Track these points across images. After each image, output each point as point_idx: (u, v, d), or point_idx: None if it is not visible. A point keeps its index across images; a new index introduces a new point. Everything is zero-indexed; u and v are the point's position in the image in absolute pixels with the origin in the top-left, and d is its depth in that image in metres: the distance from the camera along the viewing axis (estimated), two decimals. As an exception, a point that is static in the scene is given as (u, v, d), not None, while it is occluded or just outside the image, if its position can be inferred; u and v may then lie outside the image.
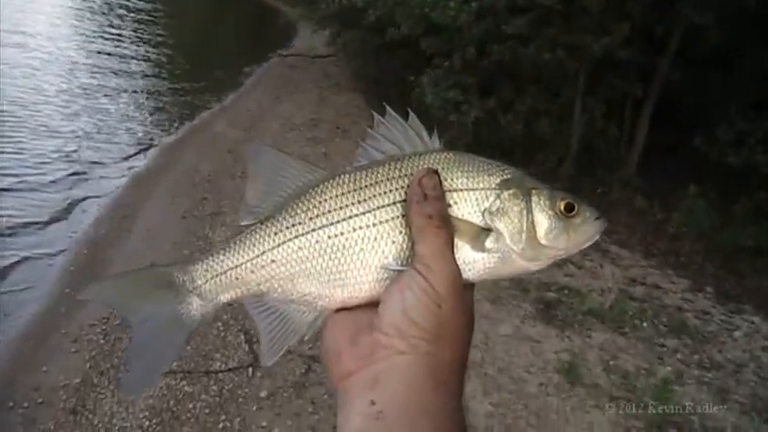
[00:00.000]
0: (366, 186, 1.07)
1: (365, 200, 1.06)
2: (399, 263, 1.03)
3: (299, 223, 1.07)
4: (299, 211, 1.08)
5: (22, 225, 8.57)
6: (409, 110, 1.12)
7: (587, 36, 10.55)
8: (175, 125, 14.36)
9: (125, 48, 20.54)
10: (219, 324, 6.40)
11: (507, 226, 1.06)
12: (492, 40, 11.86)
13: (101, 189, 10.22)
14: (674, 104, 12.31)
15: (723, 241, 9.97)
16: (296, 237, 1.07)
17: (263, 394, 5.58)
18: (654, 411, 5.93)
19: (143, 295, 1.09)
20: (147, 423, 5.15)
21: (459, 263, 1.01)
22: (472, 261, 1.04)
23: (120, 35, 22.14)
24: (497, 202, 1.07)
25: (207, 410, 5.36)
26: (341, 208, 1.06)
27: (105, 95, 15.32)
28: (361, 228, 1.05)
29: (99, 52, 19.27)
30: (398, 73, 16.90)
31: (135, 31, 23.50)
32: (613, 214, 11.14)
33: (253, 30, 33.18)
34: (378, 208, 1.06)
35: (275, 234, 1.08)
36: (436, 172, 1.05)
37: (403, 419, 0.90)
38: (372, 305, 1.03)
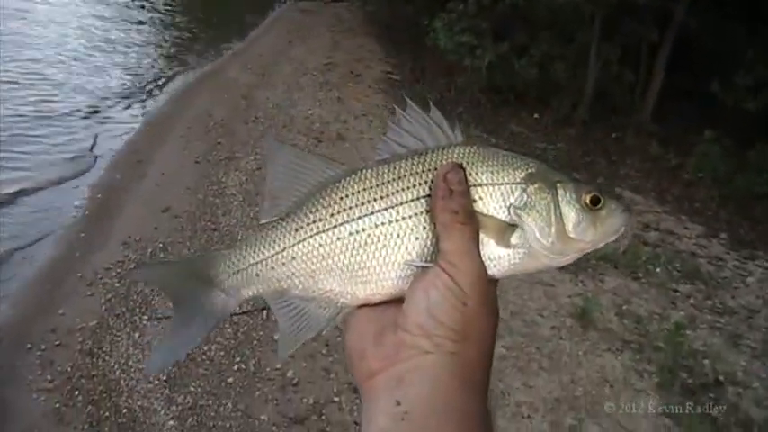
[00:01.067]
0: (389, 182, 1.05)
1: (388, 195, 1.04)
2: (423, 259, 1.02)
3: (321, 219, 1.06)
4: (319, 208, 1.06)
5: (38, 168, 8.61)
6: (431, 102, 1.09)
7: (603, -21, 10.43)
8: (189, 71, 14.36)
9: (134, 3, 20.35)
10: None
11: (534, 221, 1.04)
12: (507, -16, 11.77)
13: (115, 135, 10.26)
14: (691, 50, 12.20)
15: (738, 187, 9.93)
16: (317, 233, 1.06)
17: (277, 336, 5.60)
18: (666, 355, 5.95)
19: (179, 283, 1.12)
20: (163, 365, 5.20)
21: (484, 259, 1.00)
22: (497, 257, 1.02)
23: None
24: (523, 196, 1.04)
25: (222, 353, 5.41)
26: (363, 204, 1.05)
27: (117, 45, 15.29)
28: (383, 224, 1.04)
29: (108, 4, 19.12)
30: (412, 17, 16.83)
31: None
32: (628, 160, 11.11)
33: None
34: (401, 204, 1.04)
35: (296, 231, 1.07)
36: (462, 167, 1.03)
37: (429, 420, 0.88)
38: (396, 302, 1.02)
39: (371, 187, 1.05)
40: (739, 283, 7.72)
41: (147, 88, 12.80)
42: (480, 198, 1.04)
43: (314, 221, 1.06)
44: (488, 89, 12.96)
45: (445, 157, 1.05)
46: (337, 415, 4.90)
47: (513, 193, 1.04)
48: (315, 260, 1.06)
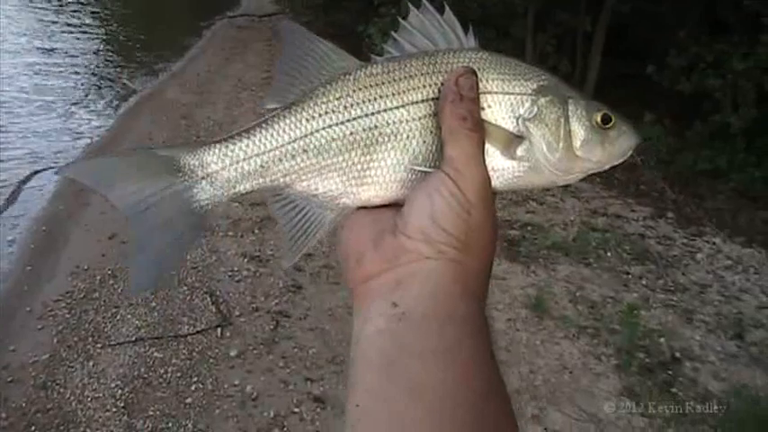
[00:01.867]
0: (399, 79, 1.01)
1: (399, 93, 1.00)
2: (428, 164, 0.99)
3: (334, 111, 1.01)
4: (332, 99, 1.01)
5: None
6: (445, 3, 1.05)
7: (532, -28, 10.52)
8: (126, 94, 14.14)
9: (71, 26, 20.07)
10: (185, 288, 6.39)
11: (542, 134, 1.01)
12: (438, -16, 11.80)
13: (55, 164, 10.05)
14: (625, 35, 12.36)
15: (681, 166, 10.07)
16: (330, 126, 1.01)
17: (233, 353, 5.58)
18: (622, 337, 6.01)
19: (141, 180, 0.98)
20: (120, 392, 5.13)
21: (488, 169, 0.97)
22: (501, 168, 1.00)
23: (61, 9, 21.67)
24: (533, 108, 1.02)
25: (179, 374, 5.35)
26: (376, 99, 1.01)
27: (52, 72, 15.02)
28: (394, 122, 1.00)
29: (38, 29, 18.86)
30: (348, 25, 16.82)
31: (78, 6, 23.03)
32: (571, 148, 11.18)
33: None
34: (411, 103, 1.00)
35: (307, 120, 1.01)
36: (474, 72, 0.99)
37: (428, 322, 0.86)
38: (394, 205, 1.00)
39: (383, 83, 1.01)
40: (689, 260, 7.82)
41: (85, 115, 12.59)
42: (489, 106, 1.01)
43: (326, 112, 1.01)
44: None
45: (457, 61, 1.02)
46: (299, 426, 4.87)
47: (522, 103, 1.02)
48: (326, 155, 1.01)
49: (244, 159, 1.01)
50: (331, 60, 1.04)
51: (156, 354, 5.54)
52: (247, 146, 1.01)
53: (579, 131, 1.02)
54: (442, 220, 0.91)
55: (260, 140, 1.01)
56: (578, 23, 11.81)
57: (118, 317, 5.98)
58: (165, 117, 12.07)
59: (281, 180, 1.02)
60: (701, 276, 7.44)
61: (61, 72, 15.02)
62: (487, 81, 1.01)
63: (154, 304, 6.14)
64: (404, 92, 1.00)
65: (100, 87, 14.45)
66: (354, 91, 1.01)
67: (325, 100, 1.01)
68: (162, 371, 5.37)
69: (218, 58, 17.22)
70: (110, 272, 6.64)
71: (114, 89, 14.52)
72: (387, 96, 1.00)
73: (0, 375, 5.31)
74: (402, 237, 0.92)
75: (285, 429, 4.84)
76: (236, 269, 6.78)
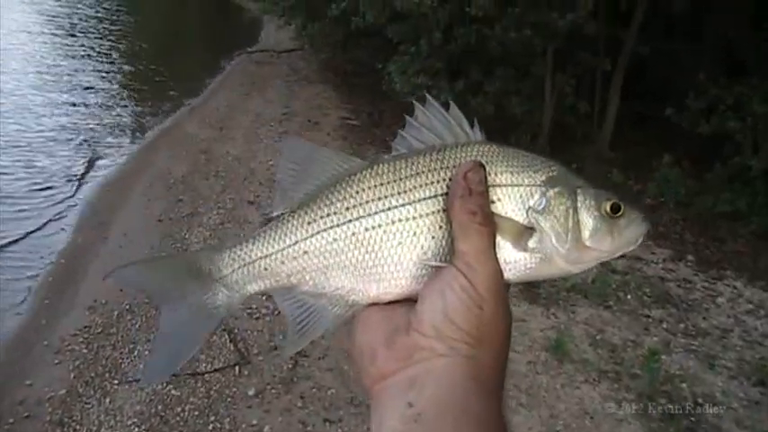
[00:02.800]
0: (406, 177, 1.02)
1: (405, 191, 1.01)
2: (439, 259, 0.98)
3: (335, 213, 1.02)
4: (334, 201, 1.03)
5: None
6: (450, 100, 1.08)
7: (553, 13, 10.54)
8: (146, 129, 14.23)
9: (90, 60, 20.24)
10: (203, 325, 6.36)
11: (552, 226, 1.01)
12: (457, 23, 11.85)
13: (75, 198, 10.14)
14: (644, 76, 12.38)
15: (700, 209, 10.04)
16: (331, 227, 1.02)
17: (251, 392, 5.54)
18: (643, 382, 5.95)
19: (170, 282, 1.05)
20: (137, 429, 5.11)
21: (499, 262, 0.97)
22: (513, 261, 0.99)
23: (82, 46, 21.85)
24: (543, 200, 1.01)
25: (196, 413, 5.32)
26: (379, 199, 1.01)
27: (73, 107, 15.11)
28: (400, 220, 1.00)
29: (61, 65, 18.99)
30: (366, 62, 16.90)
31: (99, 41, 23.22)
32: (590, 189, 11.16)
33: (217, 29, 32.90)
34: (418, 200, 1.00)
35: (309, 224, 1.03)
36: (483, 166, 0.99)
37: (444, 422, 0.85)
38: (407, 301, 0.99)
39: (389, 182, 1.02)
40: (710, 303, 7.76)
41: (105, 149, 12.66)
42: (499, 199, 1.01)
43: (328, 215, 1.02)
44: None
45: (465, 155, 1.02)
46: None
47: (532, 195, 1.02)
48: (328, 255, 1.02)
49: (249, 263, 1.04)
50: (335, 165, 1.06)
51: (173, 391, 5.51)
52: (251, 250, 1.04)
53: (588, 222, 1.02)
54: (455, 316, 0.91)
55: (262, 244, 1.04)
56: (598, 63, 11.83)
57: (135, 353, 5.96)
58: (185, 152, 12.11)
59: (288, 280, 1.04)
60: (723, 321, 7.38)
61: (82, 108, 15.10)
62: (496, 174, 1.02)
63: (172, 341, 6.12)
64: (411, 189, 1.01)
65: (120, 123, 14.50)
66: (358, 192, 1.02)
67: (327, 202, 1.03)
68: (179, 409, 5.34)
69: (237, 94, 17.30)
70: (128, 307, 6.63)
71: (134, 124, 14.60)
72: (392, 195, 1.01)
73: (17, 410, 5.30)
74: (415, 334, 0.92)
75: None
76: (254, 307, 6.76)
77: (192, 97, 16.93)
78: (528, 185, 1.02)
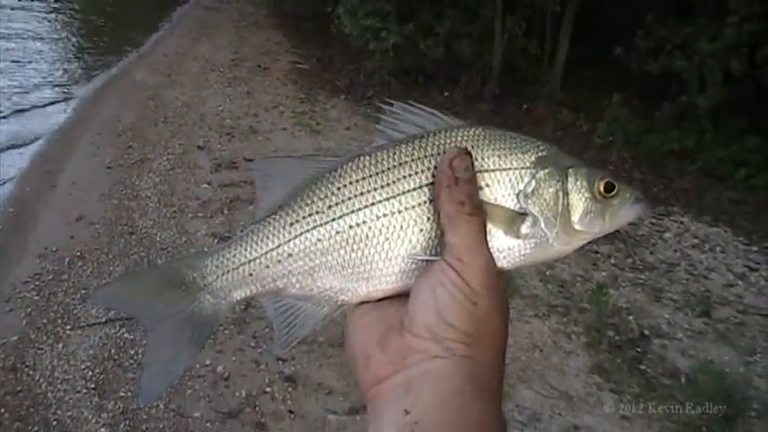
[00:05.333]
0: (388, 169, 0.98)
1: (388, 184, 0.97)
2: (429, 252, 0.95)
3: (317, 212, 0.98)
4: (315, 200, 0.99)
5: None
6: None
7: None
8: (94, 76, 13.95)
9: (34, 9, 19.75)
10: (155, 269, 6.35)
11: (541, 209, 0.97)
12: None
13: (21, 147, 9.95)
14: (594, 17, 12.41)
15: (649, 147, 10.15)
16: (314, 227, 0.98)
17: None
18: (592, 315, 6.06)
19: (154, 295, 1.01)
20: (90, 373, 5.09)
21: (492, 251, 0.93)
22: (507, 249, 0.96)
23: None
24: (533, 182, 0.97)
25: (149, 355, 5.31)
26: (362, 194, 0.97)
27: (18, 56, 14.79)
28: (385, 215, 0.96)
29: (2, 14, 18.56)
30: (316, 5, 16.78)
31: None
32: (540, 130, 11.23)
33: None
34: (403, 193, 0.96)
35: (291, 225, 0.99)
36: (468, 152, 0.94)
37: (441, 430, 0.82)
38: (399, 299, 0.96)
39: (371, 176, 0.98)
40: (657, 239, 7.90)
41: (51, 96, 12.44)
42: (488, 185, 0.97)
43: (310, 214, 0.99)
44: (397, 71, 12.99)
45: (449, 141, 0.98)
46: (271, 405, 4.86)
47: (522, 178, 0.97)
48: (313, 256, 0.99)
49: (233, 269, 1.01)
50: (311, 166, 1.03)
51: (126, 335, 5.49)
52: (234, 255, 1.01)
53: (578, 204, 0.98)
54: (448, 315, 0.87)
55: (245, 249, 1.01)
56: (548, 5, 11.83)
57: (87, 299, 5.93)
58: (133, 99, 11.93)
59: (274, 284, 1.01)
60: (669, 255, 7.53)
61: (26, 56, 14.79)
62: (483, 159, 0.97)
63: (123, 285, 6.09)
64: (394, 182, 0.97)
65: (66, 71, 14.24)
66: (339, 188, 0.99)
67: (309, 201, 0.99)
68: (132, 352, 5.32)
69: (185, 40, 17.06)
70: (78, 253, 6.57)
71: (81, 72, 14.33)
72: (375, 189, 0.98)
73: (-32, 358, 5.26)
74: (408, 335, 0.89)
75: (257, 408, 4.83)
76: (205, 250, 6.73)
77: (139, 44, 16.65)
78: (517, 168, 0.98)
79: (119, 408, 4.79)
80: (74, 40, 17.09)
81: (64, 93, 12.77)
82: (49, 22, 18.28)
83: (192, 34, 17.74)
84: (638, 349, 5.76)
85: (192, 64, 14.64)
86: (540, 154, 0.99)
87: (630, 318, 6.13)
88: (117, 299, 1.09)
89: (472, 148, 0.97)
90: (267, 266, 1.00)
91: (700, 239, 7.97)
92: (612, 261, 7.22)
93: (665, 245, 7.78)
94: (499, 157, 0.98)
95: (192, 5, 21.99)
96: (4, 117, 11.08)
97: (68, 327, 5.57)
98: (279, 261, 1.00)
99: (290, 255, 0.99)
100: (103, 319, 5.64)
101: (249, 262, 1.00)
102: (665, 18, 10.41)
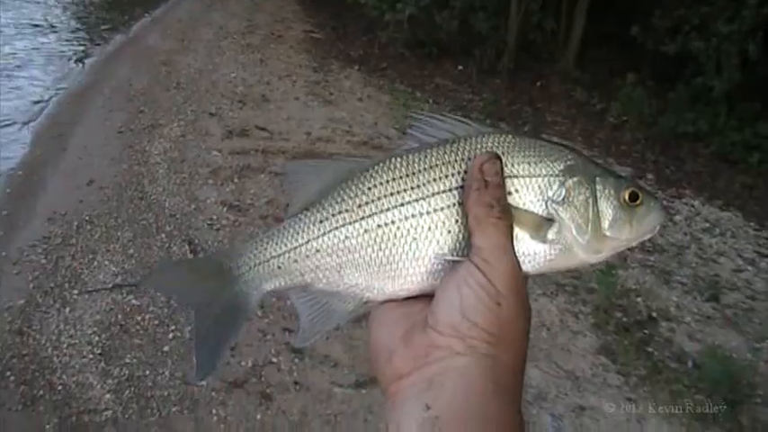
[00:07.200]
0: (419, 171, 1.00)
1: (418, 186, 1.00)
2: (455, 253, 0.97)
3: (347, 210, 1.01)
4: (346, 198, 1.02)
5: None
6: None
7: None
8: (106, 41, 13.90)
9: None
10: (163, 235, 6.35)
11: (572, 216, 0.99)
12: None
13: (32, 109, 9.94)
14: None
15: (662, 128, 10.09)
16: (343, 225, 1.01)
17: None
18: (600, 296, 6.04)
19: (197, 283, 1.07)
20: (97, 338, 5.09)
21: (518, 255, 0.95)
22: (533, 253, 0.98)
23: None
24: (561, 190, 1.00)
25: (156, 322, 5.31)
26: (392, 194, 1.00)
27: (31, 21, 14.75)
28: (414, 216, 0.99)
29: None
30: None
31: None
32: (553, 107, 11.20)
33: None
34: (432, 195, 0.99)
35: (320, 222, 1.02)
36: (498, 157, 0.97)
37: (462, 427, 0.83)
38: (424, 298, 0.98)
39: (401, 177, 1.01)
40: (667, 221, 7.85)
41: (64, 60, 12.40)
42: (516, 191, 0.99)
43: (340, 212, 1.02)
44: (411, 43, 12.94)
45: (480, 146, 1.01)
46: (276, 376, 4.86)
47: (551, 185, 1.00)
48: (340, 253, 1.02)
49: (264, 261, 1.05)
50: (345, 167, 1.06)
51: (133, 301, 5.49)
52: (265, 248, 1.05)
53: (608, 212, 1.00)
54: (472, 314, 0.88)
55: (276, 243, 1.05)
56: (565, -19, 11.75)
57: (95, 263, 5.92)
58: (146, 64, 11.90)
59: (302, 279, 1.05)
60: (679, 238, 7.49)
61: (40, 21, 14.73)
62: (513, 165, 1.00)
63: (132, 251, 6.09)
64: (425, 183, 1.00)
65: (79, 36, 14.19)
66: (370, 188, 1.01)
67: (339, 200, 1.02)
68: (139, 318, 5.33)
69: (199, 5, 17.01)
70: (87, 218, 6.57)
71: (94, 37, 14.25)
72: (405, 190, 1.00)
73: (-26, 320, 5.27)
74: (432, 333, 0.90)
75: (263, 379, 4.83)
76: (215, 218, 6.74)
77: (153, 9, 16.58)
78: (546, 176, 1.00)
79: (124, 374, 4.80)
80: (87, 2, 16.98)
81: (75, 57, 12.70)
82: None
83: (205, 0, 17.66)
84: (646, 332, 5.74)
85: (206, 30, 14.59)
86: (568, 162, 1.02)
87: (639, 300, 6.12)
88: (164, 285, 1.23)
89: (502, 153, 0.99)
90: (296, 261, 1.04)
91: (710, 223, 7.93)
92: (622, 242, 7.20)
93: (676, 227, 7.74)
94: (529, 164, 1.00)
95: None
96: (16, 80, 11.03)
97: (75, 291, 5.57)
98: (307, 256, 1.03)
99: (318, 251, 1.03)
100: (110, 285, 5.64)
101: (279, 256, 1.04)
102: (683, -3, 10.31)
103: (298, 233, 1.04)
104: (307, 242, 1.03)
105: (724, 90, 9.59)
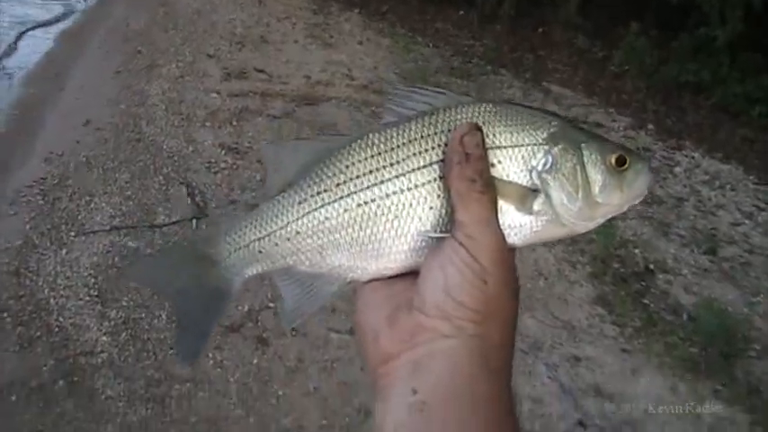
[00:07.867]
0: (398, 146, 0.97)
1: (398, 162, 0.97)
2: (438, 230, 0.94)
3: (325, 191, 0.98)
4: (324, 178, 0.99)
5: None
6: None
7: None
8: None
9: None
10: (161, 177, 6.30)
11: (561, 185, 0.95)
12: None
13: (29, 49, 9.86)
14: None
15: (664, 78, 10.04)
16: (322, 206, 0.99)
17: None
18: (598, 246, 6.04)
19: (176, 271, 1.06)
20: (93, 281, 5.09)
21: (503, 228, 0.92)
22: (519, 225, 0.95)
23: None
24: (547, 159, 0.96)
25: (153, 263, 5.30)
26: (371, 172, 0.97)
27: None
28: (394, 193, 0.96)
29: None
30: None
31: None
32: (555, 54, 11.11)
33: None
34: (412, 170, 0.96)
35: (299, 203, 1.00)
36: (479, 128, 0.94)
37: (450, 410, 0.82)
38: (410, 276, 0.95)
39: (379, 153, 0.98)
40: (667, 173, 7.85)
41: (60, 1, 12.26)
42: (499, 162, 0.95)
43: (318, 193, 0.99)
44: (413, -12, 12.82)
45: (459, 117, 0.97)
46: (273, 321, 4.87)
47: (535, 155, 0.96)
48: (321, 234, 1.00)
49: (244, 246, 1.03)
50: (322, 145, 1.03)
51: (130, 243, 5.48)
52: (245, 233, 1.03)
53: (597, 177, 0.97)
54: (458, 293, 0.86)
55: (255, 227, 1.02)
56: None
57: (92, 205, 5.89)
58: (143, 3, 11.75)
59: (284, 261, 1.02)
60: (678, 190, 7.48)
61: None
62: (494, 135, 0.96)
63: (129, 193, 6.06)
64: (404, 159, 0.97)
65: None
66: (348, 166, 0.99)
67: (317, 180, 0.99)
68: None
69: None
70: (84, 159, 6.52)
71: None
72: (384, 167, 0.97)
73: (-28, 262, 5.25)
74: (418, 314, 0.88)
75: (259, 324, 4.85)
76: (213, 160, 6.70)
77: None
78: (529, 145, 0.97)
79: (120, 316, 4.80)
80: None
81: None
82: None
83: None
84: (643, 283, 5.76)
85: (205, -31, 14.40)
86: (552, 129, 0.98)
87: (636, 251, 6.13)
88: (144, 276, 1.20)
89: (483, 124, 0.96)
90: (276, 244, 1.02)
91: (710, 176, 7.92)
92: (621, 192, 7.19)
93: (675, 179, 7.73)
94: (511, 133, 0.97)
95: None
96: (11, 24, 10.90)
97: (72, 233, 5.55)
98: (288, 239, 1.01)
99: (298, 233, 1.01)
100: (108, 227, 5.62)
101: (258, 240, 1.02)
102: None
103: (277, 216, 1.02)
104: (286, 225, 1.01)
105: (727, 40, 9.51)
